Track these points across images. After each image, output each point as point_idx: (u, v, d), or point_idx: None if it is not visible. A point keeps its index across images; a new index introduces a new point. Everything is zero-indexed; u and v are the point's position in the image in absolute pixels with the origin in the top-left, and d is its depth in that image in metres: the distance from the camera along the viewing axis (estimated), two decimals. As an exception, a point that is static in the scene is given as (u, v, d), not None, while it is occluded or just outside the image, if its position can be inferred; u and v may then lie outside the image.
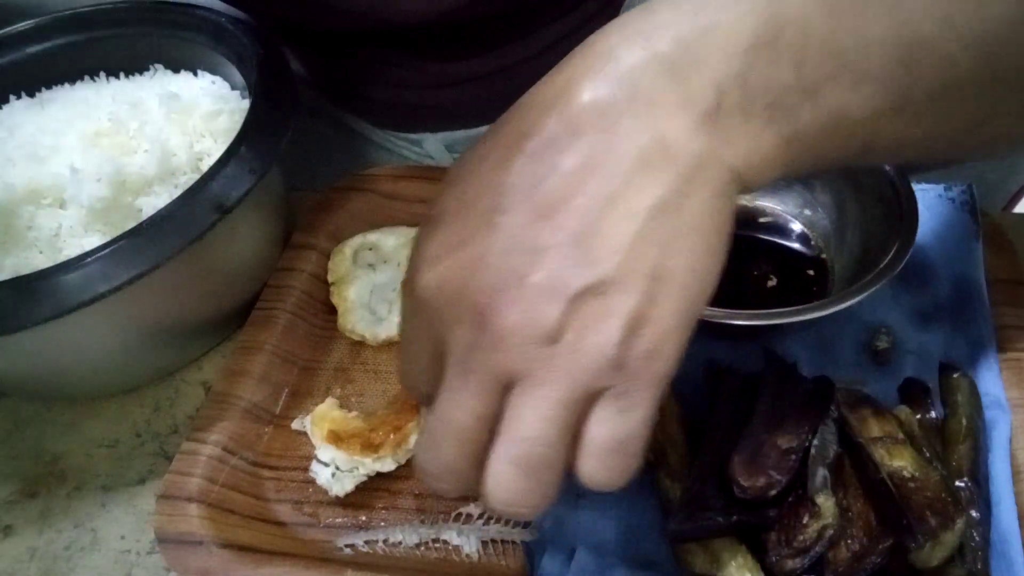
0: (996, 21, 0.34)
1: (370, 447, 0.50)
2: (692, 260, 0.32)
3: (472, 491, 0.35)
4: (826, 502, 0.40)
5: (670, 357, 0.32)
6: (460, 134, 0.72)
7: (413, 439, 0.51)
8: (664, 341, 0.32)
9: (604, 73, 0.32)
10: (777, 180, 0.35)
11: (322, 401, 0.55)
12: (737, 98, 0.32)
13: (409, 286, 0.35)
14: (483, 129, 0.71)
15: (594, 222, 0.31)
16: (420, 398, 0.38)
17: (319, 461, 0.51)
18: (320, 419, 0.53)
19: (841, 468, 0.42)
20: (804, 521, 0.40)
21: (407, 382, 0.38)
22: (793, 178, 0.37)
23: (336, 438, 0.51)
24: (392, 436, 0.51)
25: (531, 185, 0.32)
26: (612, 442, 0.32)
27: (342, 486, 0.50)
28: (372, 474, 0.50)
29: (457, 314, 0.32)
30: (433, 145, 0.73)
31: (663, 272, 0.31)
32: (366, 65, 0.69)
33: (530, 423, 0.32)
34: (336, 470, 0.50)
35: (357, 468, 0.50)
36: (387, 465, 0.51)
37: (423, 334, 0.35)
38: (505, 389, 0.33)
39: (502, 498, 0.34)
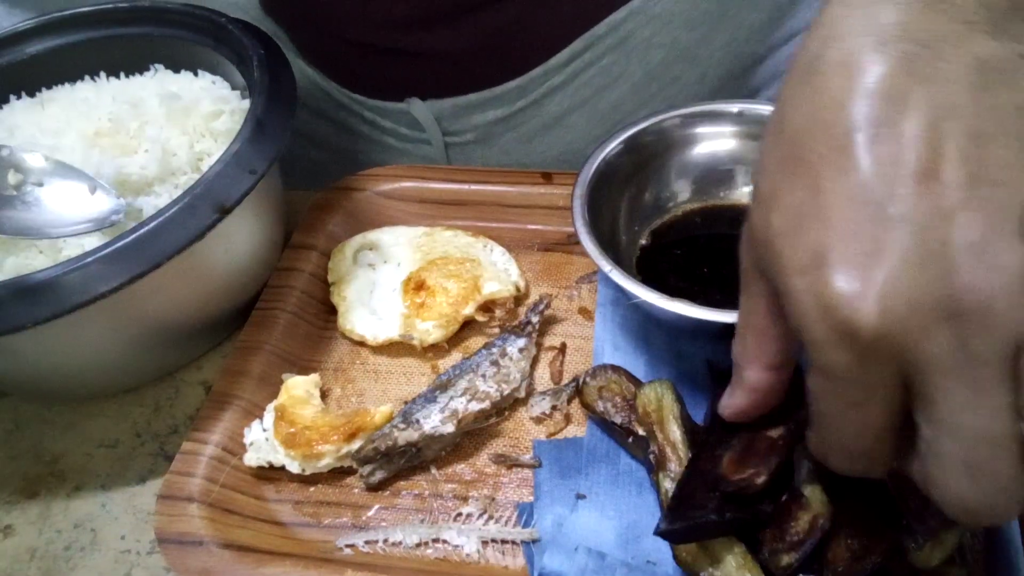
0: None
1: (310, 453, 0.51)
2: None
3: None
4: (813, 492, 0.40)
5: None
6: (448, 103, 0.72)
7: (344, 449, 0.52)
8: None
9: (881, 40, 0.32)
10: None
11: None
12: (1005, 4, 0.32)
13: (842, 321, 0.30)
14: (470, 97, 0.72)
15: (984, 157, 0.30)
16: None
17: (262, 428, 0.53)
18: (282, 408, 0.53)
19: None
20: (795, 514, 0.40)
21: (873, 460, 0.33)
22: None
23: (287, 423, 0.52)
24: (335, 445, 0.51)
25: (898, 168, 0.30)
26: None
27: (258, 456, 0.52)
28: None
29: (922, 321, 0.29)
30: (421, 113, 0.73)
31: None
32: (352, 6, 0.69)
33: None
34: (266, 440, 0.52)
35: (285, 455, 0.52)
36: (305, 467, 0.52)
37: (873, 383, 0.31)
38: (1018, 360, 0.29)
39: None
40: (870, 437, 0.32)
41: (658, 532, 0.42)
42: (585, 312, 0.60)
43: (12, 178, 0.55)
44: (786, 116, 0.34)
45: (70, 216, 0.54)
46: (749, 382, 0.38)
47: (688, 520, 0.41)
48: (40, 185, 0.55)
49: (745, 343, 0.38)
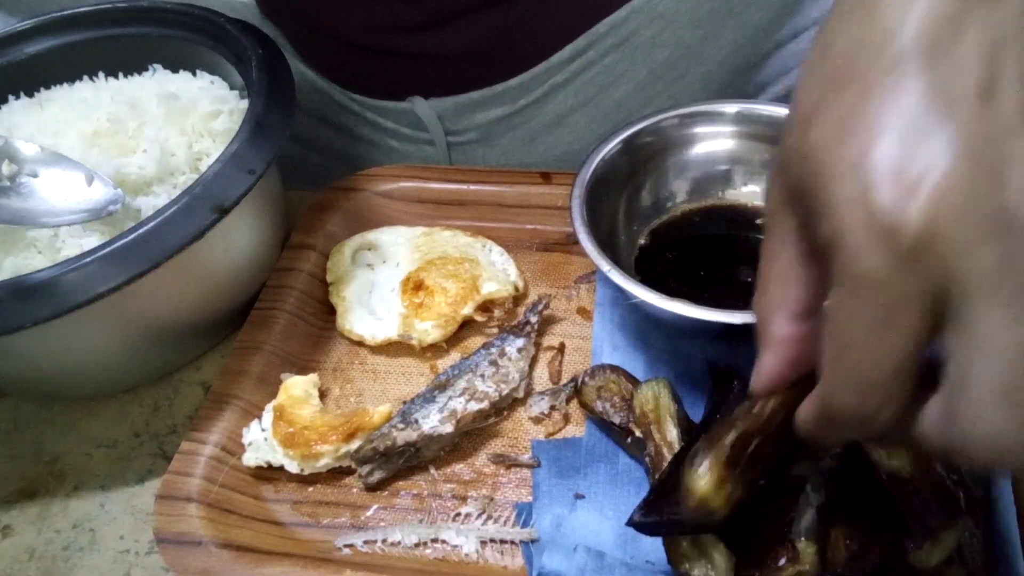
0: None
1: (309, 453, 0.51)
2: None
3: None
4: (807, 548, 0.39)
5: None
6: (450, 101, 0.72)
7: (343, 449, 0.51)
8: None
9: None
10: None
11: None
12: None
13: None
14: (473, 95, 0.72)
15: None
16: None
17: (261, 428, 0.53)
18: (281, 408, 0.53)
19: (832, 488, 0.42)
20: (780, 563, 0.39)
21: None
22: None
23: (286, 423, 0.52)
24: (334, 446, 0.51)
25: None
26: None
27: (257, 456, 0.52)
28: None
29: (969, 233, 0.29)
30: (424, 112, 0.73)
31: None
32: (354, 7, 0.69)
33: None
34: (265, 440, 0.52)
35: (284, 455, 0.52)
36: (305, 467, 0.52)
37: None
38: None
39: None
40: (890, 366, 0.30)
41: (629, 522, 0.42)
42: (584, 312, 0.60)
43: (6, 168, 0.55)
44: (835, 38, 0.34)
45: (66, 205, 0.54)
46: (777, 336, 0.35)
47: (662, 515, 0.41)
48: (35, 176, 0.55)
49: (767, 293, 0.36)
